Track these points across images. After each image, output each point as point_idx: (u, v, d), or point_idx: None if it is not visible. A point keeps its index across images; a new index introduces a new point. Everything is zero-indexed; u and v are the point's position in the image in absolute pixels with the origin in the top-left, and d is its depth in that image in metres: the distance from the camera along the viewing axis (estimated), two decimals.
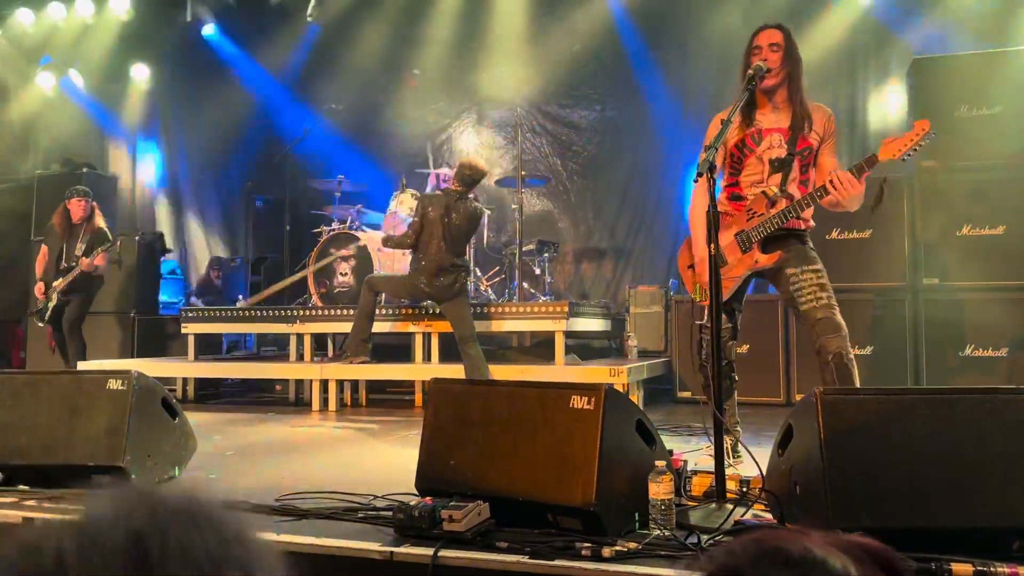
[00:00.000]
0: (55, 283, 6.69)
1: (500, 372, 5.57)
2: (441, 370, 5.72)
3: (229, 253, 9.57)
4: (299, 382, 6.87)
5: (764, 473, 2.63)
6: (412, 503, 2.43)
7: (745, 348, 5.86)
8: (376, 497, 2.87)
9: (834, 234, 5.69)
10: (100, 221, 6.86)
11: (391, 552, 2.29)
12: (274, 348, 8.04)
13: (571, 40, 8.40)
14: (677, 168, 7.75)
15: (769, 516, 2.51)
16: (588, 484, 2.32)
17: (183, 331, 6.96)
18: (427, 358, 6.19)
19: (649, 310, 6.84)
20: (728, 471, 2.76)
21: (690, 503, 2.71)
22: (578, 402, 2.44)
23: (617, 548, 2.17)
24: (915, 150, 3.17)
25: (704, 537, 2.27)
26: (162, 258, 8.31)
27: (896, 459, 2.17)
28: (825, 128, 3.48)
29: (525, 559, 2.18)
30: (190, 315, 7.01)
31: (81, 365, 6.38)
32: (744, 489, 2.69)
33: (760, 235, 3.41)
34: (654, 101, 8.05)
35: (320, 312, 6.61)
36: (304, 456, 4.23)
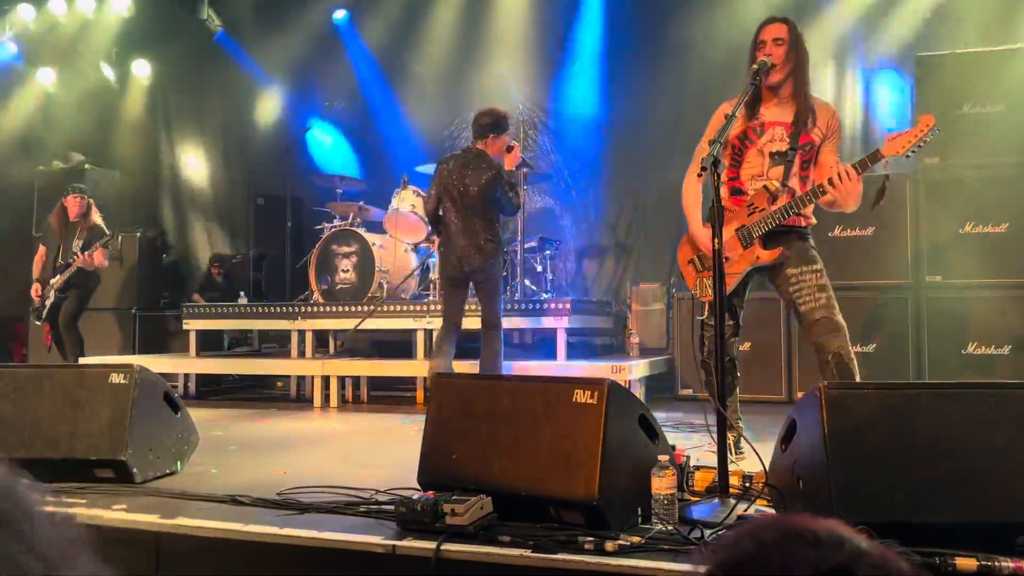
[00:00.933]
0: (52, 280, 6.69)
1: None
2: None
3: (231, 250, 9.56)
4: (300, 378, 6.86)
5: (767, 468, 2.63)
6: (414, 497, 2.43)
7: (747, 346, 5.85)
8: (378, 492, 2.86)
9: (837, 231, 5.68)
10: (97, 218, 6.86)
11: (393, 546, 2.28)
12: (275, 345, 8.04)
13: (575, 36, 8.40)
14: (680, 165, 7.73)
15: (772, 511, 2.51)
16: (591, 478, 2.32)
17: (184, 327, 6.96)
18: (429, 354, 6.18)
19: (651, 307, 6.83)
20: (730, 466, 2.75)
21: (693, 498, 2.71)
22: (581, 396, 2.44)
23: (620, 542, 2.17)
24: (920, 146, 3.16)
25: (707, 531, 2.27)
26: (163, 255, 8.31)
27: (900, 454, 2.16)
28: (828, 126, 3.47)
29: (528, 553, 2.18)
30: (192, 311, 7.01)
31: (82, 360, 6.38)
32: (747, 484, 2.69)
33: (761, 231, 3.40)
34: (656, 97, 8.04)
35: (322, 309, 6.60)
36: (306, 451, 4.23)
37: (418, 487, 2.67)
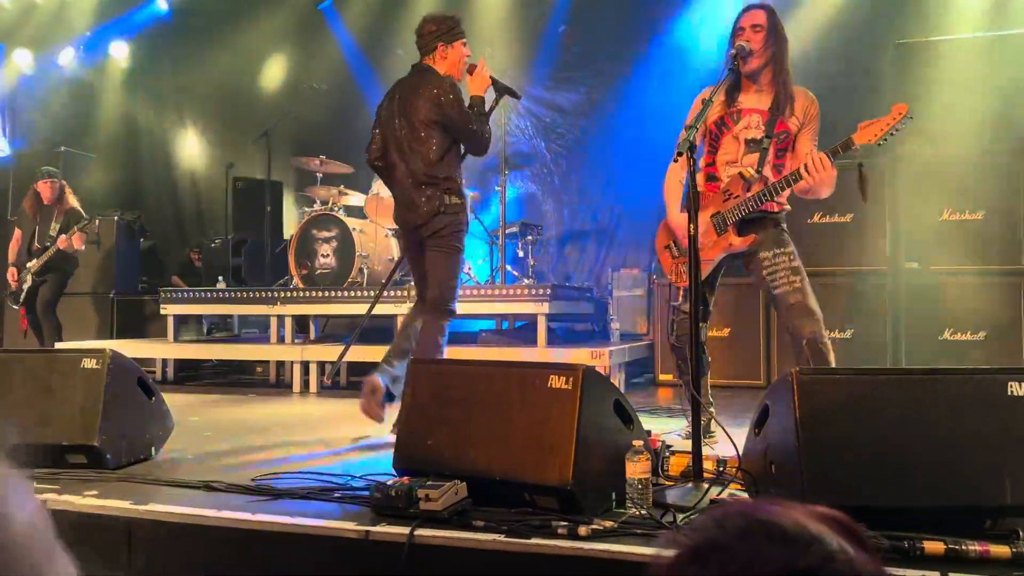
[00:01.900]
0: (29, 264, 6.61)
1: (482, 355, 5.56)
2: None
3: (209, 235, 9.48)
4: (280, 364, 6.83)
5: (740, 453, 2.65)
6: (389, 482, 2.42)
7: (726, 331, 5.89)
8: (353, 477, 2.85)
9: (816, 218, 5.70)
10: (72, 201, 6.79)
11: (367, 531, 2.28)
12: (255, 330, 7.99)
13: (557, 21, 8.36)
14: (662, 152, 7.73)
15: (745, 495, 2.52)
16: (565, 463, 2.32)
17: (163, 312, 6.90)
18: None
19: (632, 293, 6.84)
20: (704, 451, 2.77)
21: (667, 482, 2.72)
22: (556, 382, 2.44)
23: (593, 527, 2.18)
24: (892, 134, 3.15)
25: (680, 516, 2.28)
26: (141, 239, 8.23)
27: (871, 438, 2.18)
28: (806, 113, 3.47)
29: (501, 538, 2.18)
30: (170, 296, 6.96)
31: (57, 346, 6.32)
32: (721, 469, 2.70)
33: (735, 217, 3.41)
34: (639, 83, 8.02)
35: (301, 294, 6.57)
36: (282, 436, 4.21)
37: (393, 472, 2.67)
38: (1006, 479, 2.08)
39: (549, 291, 5.87)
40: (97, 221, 6.86)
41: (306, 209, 7.17)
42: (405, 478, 2.46)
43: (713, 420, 3.48)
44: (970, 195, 5.42)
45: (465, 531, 2.23)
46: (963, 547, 1.95)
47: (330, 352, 6.26)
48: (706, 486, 2.59)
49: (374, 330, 6.73)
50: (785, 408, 2.28)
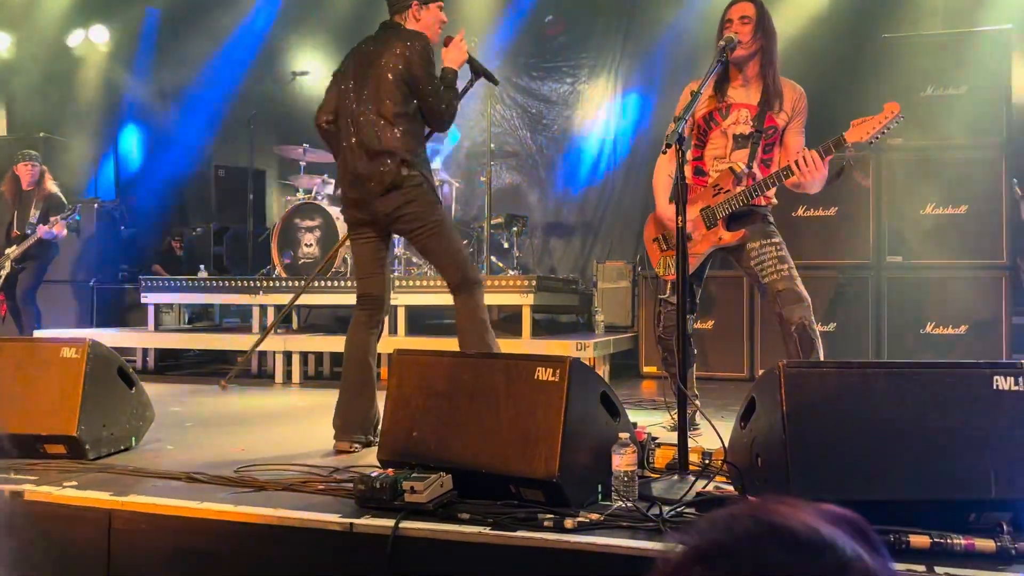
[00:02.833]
0: (8, 250, 6.52)
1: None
2: (407, 342, 5.68)
3: (191, 222, 9.39)
4: (262, 354, 6.78)
5: (726, 445, 2.64)
6: (373, 474, 2.40)
7: (710, 324, 5.90)
8: (337, 469, 2.83)
9: (800, 211, 5.72)
10: (52, 186, 6.68)
11: (351, 523, 2.26)
12: (237, 319, 7.93)
13: (543, 11, 8.32)
14: (648, 143, 7.72)
15: (731, 488, 2.52)
16: (551, 456, 2.31)
17: (143, 301, 6.83)
18: (393, 331, 6.13)
19: (617, 285, 6.84)
20: (690, 443, 2.77)
21: (653, 475, 2.72)
22: (543, 374, 2.43)
23: (579, 519, 2.17)
24: (884, 132, 3.17)
25: (666, 508, 2.27)
26: (121, 227, 8.13)
27: (857, 432, 2.18)
28: (794, 107, 3.48)
29: (487, 530, 2.17)
30: (151, 285, 6.88)
31: (37, 334, 6.24)
32: (706, 461, 2.70)
33: (725, 212, 3.43)
34: (626, 74, 8.01)
35: (284, 283, 6.51)
36: (265, 427, 4.18)
37: (377, 464, 2.65)
38: (991, 473, 2.09)
39: (534, 283, 5.86)
40: (78, 207, 6.79)
41: (289, 198, 7.11)
42: (390, 470, 2.44)
43: (698, 412, 3.48)
44: (953, 189, 5.45)
45: (450, 523, 2.22)
46: (948, 540, 1.96)
47: (313, 343, 6.22)
48: (692, 479, 2.59)
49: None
50: (772, 401, 2.28)
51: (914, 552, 1.95)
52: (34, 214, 6.52)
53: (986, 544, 1.95)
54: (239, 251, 8.22)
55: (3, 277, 6.53)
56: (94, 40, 9.46)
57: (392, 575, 2.17)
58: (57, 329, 6.57)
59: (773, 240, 3.43)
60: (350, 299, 6.22)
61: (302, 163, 7.30)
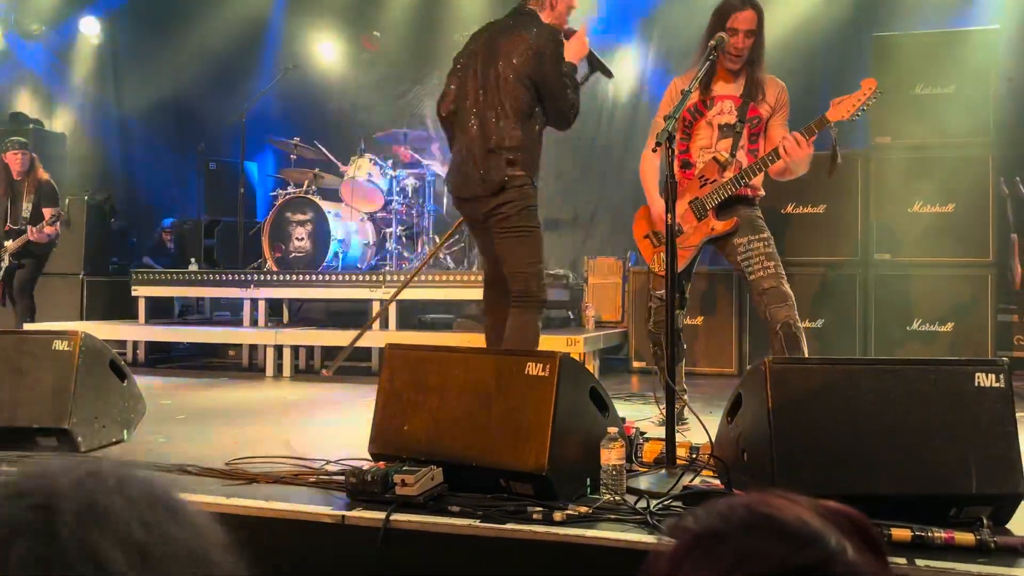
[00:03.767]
0: (7, 244, 6.49)
1: (458, 340, 5.55)
2: (398, 337, 5.70)
3: (182, 216, 9.37)
4: (252, 347, 6.78)
5: (713, 440, 2.68)
6: (365, 468, 2.42)
7: (699, 319, 5.94)
8: (329, 462, 2.85)
9: (789, 208, 5.76)
10: (43, 173, 6.63)
11: (343, 516, 2.28)
12: (228, 313, 7.92)
13: None
14: (638, 138, 7.75)
15: (717, 482, 2.56)
16: (541, 450, 2.34)
17: (134, 294, 6.82)
18: (384, 325, 6.15)
19: (607, 281, 6.87)
20: (678, 438, 2.80)
21: (641, 469, 2.75)
22: (533, 369, 2.45)
23: (568, 512, 2.20)
24: (864, 109, 3.24)
25: (653, 502, 2.31)
26: (111, 219, 8.11)
27: (841, 428, 2.22)
28: (777, 100, 3.54)
29: (477, 523, 2.20)
30: (141, 278, 6.87)
31: (27, 327, 6.23)
32: (693, 456, 2.74)
33: (715, 202, 3.47)
34: (618, 69, 8.02)
35: (275, 277, 6.52)
36: (257, 421, 4.19)
37: (369, 457, 2.67)
38: (971, 468, 2.13)
39: None
40: (67, 200, 6.77)
41: (280, 191, 7.11)
42: (381, 463, 2.46)
43: (686, 407, 3.52)
44: (941, 188, 5.50)
45: (441, 516, 2.25)
46: (929, 534, 1.99)
47: (304, 337, 6.22)
48: (679, 473, 2.62)
49: (348, 314, 6.71)
50: (758, 397, 2.32)
51: (895, 545, 1.98)
52: (26, 207, 6.48)
53: (966, 538, 1.99)
54: (230, 244, 8.21)
55: (2, 269, 6.50)
56: (84, 31, 9.42)
57: (383, 567, 2.19)
58: (47, 322, 6.56)
59: (762, 236, 3.47)
60: (341, 293, 6.29)
61: (292, 157, 7.30)
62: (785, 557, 0.59)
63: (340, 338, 6.19)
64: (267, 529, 2.36)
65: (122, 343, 6.65)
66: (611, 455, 2.40)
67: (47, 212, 6.46)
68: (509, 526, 2.17)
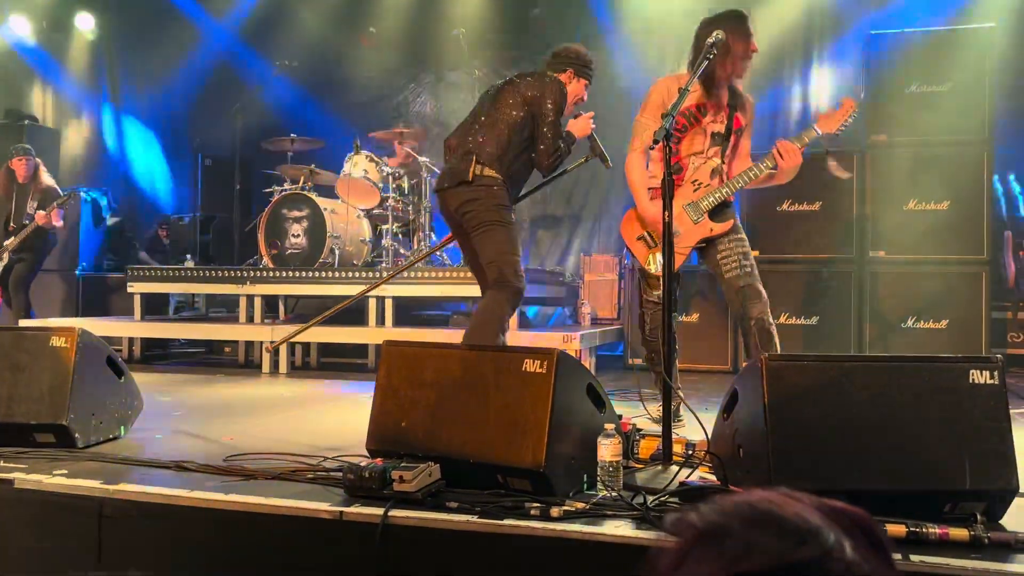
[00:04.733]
0: (7, 242, 6.52)
1: (455, 337, 5.56)
2: (395, 334, 5.71)
3: (178, 212, 9.36)
4: (249, 344, 6.79)
5: (709, 436, 2.69)
6: (362, 464, 2.43)
7: (694, 316, 5.96)
8: (326, 458, 2.86)
9: (784, 205, 5.78)
10: (47, 179, 6.74)
11: (340, 512, 2.29)
12: (223, 309, 7.92)
13: (530, 3, 8.33)
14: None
15: (713, 478, 2.57)
16: (538, 446, 2.35)
17: (129, 290, 6.82)
18: (380, 322, 6.16)
19: (603, 277, 6.89)
20: (674, 434, 2.81)
21: (637, 465, 2.76)
22: (531, 366, 2.46)
23: (565, 508, 2.21)
24: (846, 125, 3.44)
25: (650, 498, 2.32)
26: (107, 216, 8.10)
27: (837, 424, 2.23)
28: (750, 113, 3.67)
29: (474, 519, 2.20)
30: (137, 274, 6.87)
31: (23, 323, 6.22)
32: (690, 452, 2.75)
33: (711, 204, 3.52)
34: (613, 67, 8.03)
35: (271, 273, 6.52)
36: (254, 417, 4.19)
37: (367, 454, 2.68)
38: (966, 465, 2.15)
39: None
40: (72, 194, 6.81)
41: (276, 188, 7.11)
42: (379, 460, 2.47)
43: (682, 404, 3.54)
44: (935, 185, 5.52)
45: (438, 512, 2.25)
46: (924, 530, 2.01)
47: (301, 333, 6.20)
48: (675, 469, 2.63)
49: (344, 311, 6.70)
50: (754, 393, 2.33)
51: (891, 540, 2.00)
52: (31, 206, 6.55)
53: (960, 533, 2.00)
54: (225, 241, 8.21)
55: (1, 268, 6.54)
56: (79, 27, 9.40)
57: (381, 563, 2.20)
58: (43, 319, 6.56)
59: (739, 236, 3.57)
60: (337, 290, 6.28)
61: (289, 153, 7.29)
62: (783, 552, 0.60)
63: (336, 335, 6.19)
64: (265, 525, 2.36)
65: (118, 339, 6.65)
66: (608, 451, 2.41)
67: (51, 208, 6.51)
68: (507, 522, 2.18)
